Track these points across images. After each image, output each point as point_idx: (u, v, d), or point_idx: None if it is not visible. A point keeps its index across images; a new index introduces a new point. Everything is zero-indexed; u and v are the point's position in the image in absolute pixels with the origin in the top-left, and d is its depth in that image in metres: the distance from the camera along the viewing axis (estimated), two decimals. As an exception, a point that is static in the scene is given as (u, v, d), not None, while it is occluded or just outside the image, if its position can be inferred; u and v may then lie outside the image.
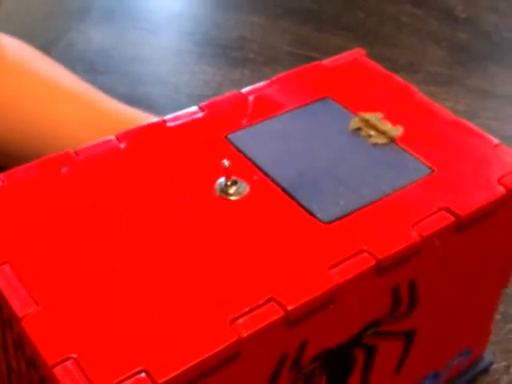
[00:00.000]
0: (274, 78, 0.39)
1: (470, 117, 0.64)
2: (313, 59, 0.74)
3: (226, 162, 0.31)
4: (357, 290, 0.29)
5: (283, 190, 0.32)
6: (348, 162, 0.33)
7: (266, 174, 0.32)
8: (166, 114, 0.63)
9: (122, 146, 0.33)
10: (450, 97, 0.67)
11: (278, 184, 0.32)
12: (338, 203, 0.31)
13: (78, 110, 0.53)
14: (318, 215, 0.30)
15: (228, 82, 0.69)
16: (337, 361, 0.31)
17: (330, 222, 0.30)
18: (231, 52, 0.73)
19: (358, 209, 0.31)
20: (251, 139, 0.34)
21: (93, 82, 0.58)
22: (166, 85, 0.68)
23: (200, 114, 0.36)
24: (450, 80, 0.69)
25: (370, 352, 0.33)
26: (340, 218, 0.30)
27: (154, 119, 0.54)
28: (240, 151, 0.34)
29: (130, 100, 0.65)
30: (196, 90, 0.67)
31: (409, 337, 0.34)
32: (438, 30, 0.78)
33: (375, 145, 0.34)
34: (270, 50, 0.74)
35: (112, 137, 0.34)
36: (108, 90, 0.60)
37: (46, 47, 0.68)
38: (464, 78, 0.70)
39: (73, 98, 0.53)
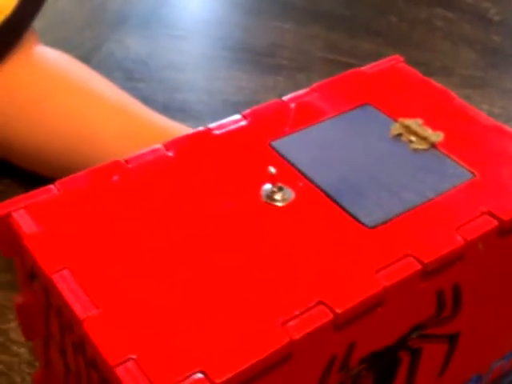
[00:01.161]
0: (314, 85, 0.40)
1: (506, 120, 0.64)
2: (346, 65, 0.76)
3: (272, 169, 0.32)
4: (403, 294, 0.29)
5: (328, 195, 0.32)
6: (390, 168, 0.34)
7: (310, 180, 0.33)
8: (203, 120, 0.65)
9: (170, 154, 0.34)
10: (485, 100, 0.67)
11: (322, 190, 0.33)
12: (382, 208, 0.32)
13: (117, 121, 0.54)
14: (363, 220, 0.31)
15: (262, 88, 0.70)
16: (383, 363, 0.32)
17: (375, 227, 0.31)
18: (263, 58, 0.74)
19: (402, 213, 0.31)
20: (294, 146, 0.35)
21: (131, 90, 0.60)
22: (200, 91, 0.69)
23: (243, 122, 0.37)
24: (484, 83, 0.70)
25: (415, 355, 0.33)
26: (384, 223, 0.31)
27: (191, 130, 0.56)
28: (284, 158, 0.34)
29: (168, 107, 0.66)
30: (230, 96, 0.68)
31: (453, 340, 0.35)
32: (470, 33, 0.78)
33: (416, 150, 0.35)
34: (302, 56, 0.75)
35: (160, 145, 0.35)
36: (146, 98, 0.61)
37: (86, 57, 0.69)
38: (498, 81, 0.70)
39: (112, 109, 0.54)
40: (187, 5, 0.86)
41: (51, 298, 0.30)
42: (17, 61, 0.54)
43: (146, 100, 0.60)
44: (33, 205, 0.31)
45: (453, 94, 0.39)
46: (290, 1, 0.83)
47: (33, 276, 0.32)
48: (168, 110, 0.63)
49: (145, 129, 0.53)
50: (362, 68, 0.41)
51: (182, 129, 0.54)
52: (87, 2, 0.83)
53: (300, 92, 0.39)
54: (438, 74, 0.71)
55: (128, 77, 0.70)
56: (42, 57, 0.56)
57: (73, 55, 0.61)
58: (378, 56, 0.75)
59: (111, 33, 0.77)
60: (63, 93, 0.55)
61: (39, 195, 0.32)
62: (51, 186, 0.32)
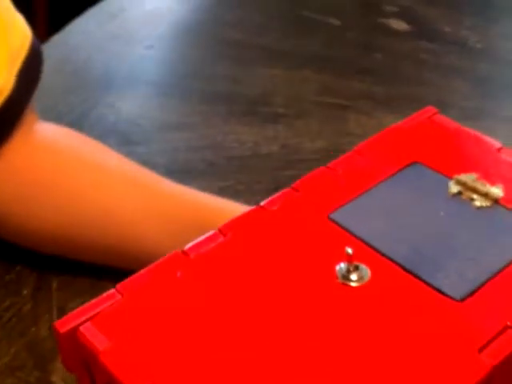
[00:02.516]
0: (357, 147, 0.38)
1: (512, 149, 0.64)
2: (342, 107, 0.75)
3: (349, 250, 0.30)
4: (506, 368, 0.28)
5: (404, 269, 0.31)
6: (459, 230, 0.33)
7: (382, 254, 0.32)
8: (210, 180, 0.63)
9: (229, 238, 0.33)
10: (487, 131, 0.67)
11: (397, 263, 0.31)
12: (466, 277, 0.30)
13: (133, 195, 0.52)
14: (449, 293, 0.30)
15: (263, 139, 0.69)
16: None
17: (464, 299, 0.29)
18: (258, 108, 0.73)
19: (487, 281, 0.30)
20: (354, 216, 0.34)
21: (130, 155, 0.58)
22: (201, 149, 0.68)
23: (295, 195, 0.35)
24: (483, 113, 0.70)
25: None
26: (472, 294, 0.30)
27: (209, 196, 0.54)
28: (347, 231, 0.33)
29: (171, 169, 0.64)
30: (234, 152, 0.67)
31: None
32: (458, 63, 0.78)
33: (480, 208, 0.34)
34: (297, 101, 0.74)
35: (215, 230, 0.33)
36: (147, 161, 0.59)
37: (76, 124, 0.67)
38: (497, 109, 0.70)
39: (128, 183, 0.52)
40: (170, 60, 0.84)
41: (134, 417, 0.27)
42: (18, 141, 0.52)
43: (147, 163, 0.58)
44: (99, 315, 0.29)
45: (498, 143, 0.38)
46: (275, 47, 0.82)
47: (103, 391, 0.29)
48: (171, 172, 0.61)
49: (165, 200, 0.51)
50: (399, 124, 0.40)
51: (203, 197, 0.52)
52: (66, 65, 0.81)
53: (343, 157, 0.38)
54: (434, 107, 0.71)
55: (124, 141, 0.68)
56: (44, 134, 0.54)
57: (62, 123, 0.59)
58: (372, 95, 0.75)
59: (98, 96, 0.74)
60: (71, 170, 0.53)
61: (103, 303, 0.29)
62: (114, 292, 0.30)
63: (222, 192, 0.57)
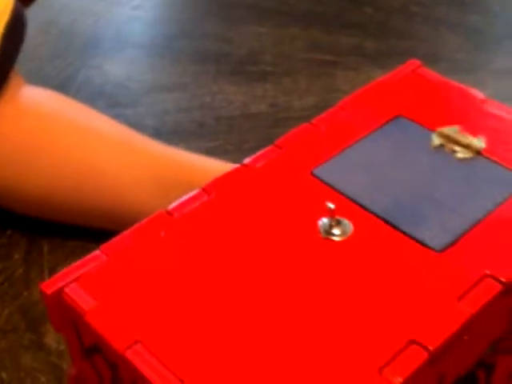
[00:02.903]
0: (340, 103, 0.38)
1: (501, 100, 0.64)
2: (331, 63, 0.74)
3: (331, 205, 0.30)
4: (485, 316, 0.28)
5: (386, 222, 0.31)
6: (441, 182, 0.33)
7: (364, 208, 0.32)
8: (199, 141, 0.63)
9: (212, 197, 0.33)
10: (476, 83, 0.67)
11: (379, 216, 0.31)
12: (446, 228, 0.31)
13: (119, 156, 0.52)
14: (430, 244, 0.30)
15: (251, 98, 0.68)
16: (464, 385, 0.31)
17: (444, 250, 0.30)
18: (247, 67, 0.73)
19: (467, 231, 0.30)
20: (337, 172, 0.34)
21: (118, 117, 0.58)
22: (190, 110, 0.67)
23: (278, 153, 0.35)
24: (473, 65, 0.69)
25: (490, 370, 0.32)
26: (452, 244, 0.30)
27: (196, 156, 0.54)
28: (330, 186, 0.33)
29: (160, 131, 0.64)
30: (222, 112, 0.67)
31: (522, 347, 0.34)
32: (448, 16, 0.78)
33: (462, 160, 0.34)
34: (285, 59, 0.73)
35: (199, 190, 0.33)
36: (135, 124, 0.59)
37: (62, 87, 0.67)
38: (486, 62, 0.70)
39: (113, 144, 0.52)
40: (158, 20, 0.83)
41: (123, 373, 0.28)
42: (4, 105, 0.52)
43: (135, 126, 0.58)
44: (84, 276, 0.29)
45: (481, 94, 0.38)
46: (262, 5, 0.81)
47: (91, 350, 0.30)
48: (160, 134, 0.61)
49: (151, 160, 0.51)
50: (382, 78, 0.40)
51: (189, 156, 0.52)
52: (52, 27, 0.80)
53: (326, 112, 0.38)
54: (425, 61, 0.70)
55: (112, 103, 0.68)
56: (31, 98, 0.54)
57: (48, 87, 0.58)
58: (361, 50, 0.74)
59: (85, 58, 0.74)
60: (58, 132, 0.52)
61: (88, 264, 0.30)
62: (98, 253, 0.30)
63: (210, 152, 0.57)
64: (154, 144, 0.53)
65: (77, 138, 0.52)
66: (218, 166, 0.50)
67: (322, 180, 0.33)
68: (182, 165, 0.51)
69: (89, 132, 0.52)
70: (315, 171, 0.34)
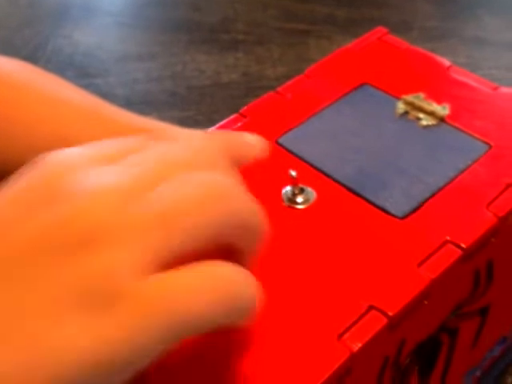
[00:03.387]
0: (306, 71, 0.38)
1: (473, 69, 0.64)
2: (304, 32, 0.74)
3: (293, 172, 0.30)
4: (446, 282, 0.29)
5: (349, 189, 0.31)
6: (404, 150, 0.33)
7: (328, 175, 0.32)
8: (170, 110, 0.63)
9: (175, 167, 0.33)
10: (448, 51, 0.67)
11: (342, 184, 0.31)
12: (408, 195, 0.31)
13: (88, 127, 0.51)
14: (392, 211, 0.30)
15: (223, 67, 0.68)
16: (426, 350, 0.31)
17: (405, 217, 0.30)
18: (218, 35, 0.72)
19: (429, 198, 0.31)
20: (302, 140, 0.34)
21: (88, 87, 0.56)
22: (161, 80, 0.67)
23: (243, 121, 0.35)
24: (445, 33, 0.69)
25: (453, 334, 0.33)
26: (414, 211, 0.30)
27: (168, 126, 0.54)
28: (294, 155, 0.33)
29: (130, 101, 0.63)
30: (193, 81, 0.66)
31: (484, 312, 0.34)
32: (421, -16, 0.77)
33: (426, 127, 0.34)
34: (257, 28, 0.73)
35: (162, 159, 0.33)
36: (106, 93, 0.58)
37: (31, 57, 0.66)
38: (459, 30, 0.69)
39: (84, 114, 0.51)
40: (128, -13, 0.82)
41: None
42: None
43: (106, 96, 0.56)
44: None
45: (447, 61, 0.38)
46: (235, -29, 0.80)
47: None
48: (131, 104, 0.61)
49: (122, 130, 0.51)
50: (349, 46, 0.40)
51: (158, 125, 0.52)
52: (20, -3, 0.78)
53: (292, 80, 0.38)
54: (397, 29, 0.70)
55: (81, 73, 0.67)
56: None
57: (17, 57, 0.57)
58: (334, 19, 0.74)
59: (54, 28, 0.72)
60: (29, 103, 0.51)
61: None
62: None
63: (182, 122, 0.56)
64: (124, 114, 0.52)
65: (46, 109, 0.51)
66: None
67: (286, 148, 0.33)
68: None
69: (58, 102, 0.51)
70: (280, 139, 0.34)
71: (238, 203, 0.23)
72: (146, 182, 0.21)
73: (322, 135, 0.34)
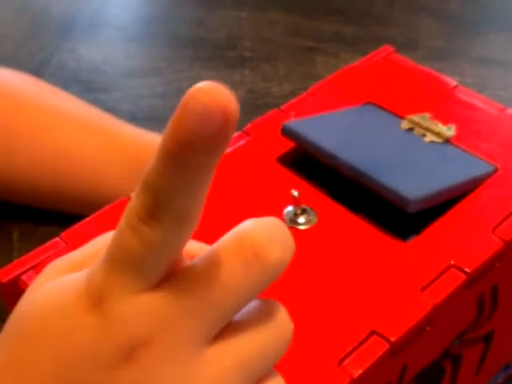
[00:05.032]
0: (311, 89, 0.38)
1: (480, 89, 0.63)
2: (311, 49, 0.74)
3: (295, 193, 0.30)
4: (449, 307, 0.28)
5: (352, 211, 0.31)
6: (411, 163, 0.32)
7: (328, 195, 0.31)
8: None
9: (176, 185, 0.32)
10: (455, 71, 0.66)
11: (345, 205, 0.31)
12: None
13: (92, 138, 0.51)
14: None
15: (229, 84, 0.65)
16: (430, 375, 0.31)
17: (409, 240, 0.29)
18: (225, 52, 0.72)
19: (434, 220, 0.30)
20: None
21: (93, 102, 0.57)
22: (166, 96, 0.66)
23: (246, 139, 0.35)
24: (451, 53, 0.69)
25: (457, 361, 0.32)
26: (418, 234, 0.29)
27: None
28: (296, 173, 0.32)
29: (135, 116, 0.63)
30: (199, 97, 0.66)
31: (488, 338, 0.34)
32: (429, 2, 0.77)
33: (432, 142, 0.33)
34: (264, 44, 0.72)
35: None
36: (110, 108, 0.58)
37: (36, 72, 0.65)
38: (465, 49, 0.69)
39: (86, 126, 0.51)
40: (133, 4, 0.82)
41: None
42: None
43: (111, 111, 0.57)
44: (42, 264, 0.28)
45: (454, 81, 0.38)
46: (242, -12, 0.80)
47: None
48: (135, 119, 0.60)
49: (123, 143, 0.50)
50: (355, 64, 0.39)
51: (155, 139, 0.52)
52: (26, 11, 0.78)
53: (296, 98, 0.37)
54: (403, 48, 0.69)
55: (86, 88, 0.67)
56: (4, 81, 0.53)
57: (23, 71, 0.57)
58: (341, 37, 0.74)
59: (59, 42, 0.72)
60: (32, 115, 0.51)
61: (46, 251, 0.29)
62: (57, 240, 0.30)
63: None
64: (129, 128, 0.52)
65: (48, 120, 0.51)
66: None
67: (288, 167, 0.33)
68: (153, 148, 0.50)
69: (61, 114, 0.51)
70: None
71: None
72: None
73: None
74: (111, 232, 0.21)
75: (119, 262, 0.19)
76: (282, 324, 0.20)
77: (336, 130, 0.34)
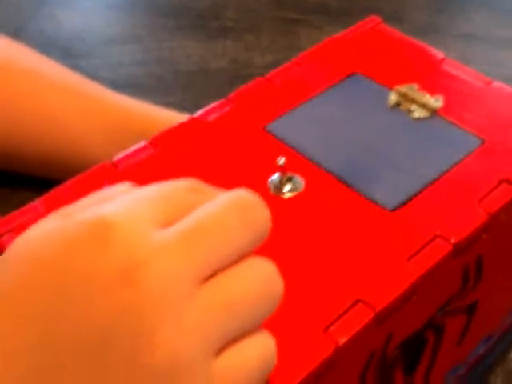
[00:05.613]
0: (296, 58, 0.37)
1: (464, 63, 0.64)
2: (295, 21, 0.73)
3: (282, 160, 0.29)
4: (435, 277, 0.28)
5: (339, 179, 0.30)
6: (396, 141, 0.32)
7: (317, 164, 0.31)
8: (156, 94, 0.61)
9: (159, 150, 0.31)
10: (439, 45, 0.66)
11: (332, 174, 0.31)
12: (399, 187, 0.30)
13: (72, 104, 0.50)
14: (382, 203, 0.29)
15: (211, 54, 0.66)
16: (412, 346, 0.31)
17: (396, 209, 0.29)
18: (207, 22, 0.71)
19: (420, 191, 0.30)
20: (291, 128, 0.33)
21: (73, 68, 0.55)
22: (147, 64, 0.65)
23: (230, 107, 0.34)
24: (435, 28, 0.68)
25: (439, 331, 0.32)
26: (405, 204, 0.29)
27: (151, 107, 0.52)
28: (283, 142, 0.32)
29: (115, 83, 0.62)
30: (180, 66, 0.65)
31: (471, 309, 0.34)
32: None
33: (418, 120, 0.33)
34: (248, 15, 0.71)
35: (145, 142, 0.32)
36: (90, 76, 0.57)
37: (15, 36, 0.64)
38: (450, 25, 0.69)
39: (65, 92, 0.50)
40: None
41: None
42: None
43: (90, 77, 0.56)
44: (20, 227, 0.28)
45: (441, 53, 0.37)
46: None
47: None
48: (116, 86, 0.59)
49: (103, 108, 0.50)
50: (341, 34, 0.39)
51: (140, 106, 0.51)
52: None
53: (282, 67, 0.37)
54: (389, 20, 0.69)
55: (65, 55, 0.65)
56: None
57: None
58: (326, 9, 0.73)
59: (38, 7, 0.71)
60: (12, 80, 0.50)
61: (24, 215, 0.28)
62: (36, 203, 0.29)
63: (168, 107, 0.55)
64: (108, 93, 0.51)
65: (29, 85, 0.50)
66: (173, 118, 0.48)
67: (275, 135, 0.32)
68: (136, 114, 0.49)
69: (42, 79, 0.50)
70: (268, 126, 0.33)
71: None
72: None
73: (311, 123, 0.33)
74: (105, 189, 0.22)
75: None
76: (273, 279, 0.21)
77: (318, 125, 0.33)
